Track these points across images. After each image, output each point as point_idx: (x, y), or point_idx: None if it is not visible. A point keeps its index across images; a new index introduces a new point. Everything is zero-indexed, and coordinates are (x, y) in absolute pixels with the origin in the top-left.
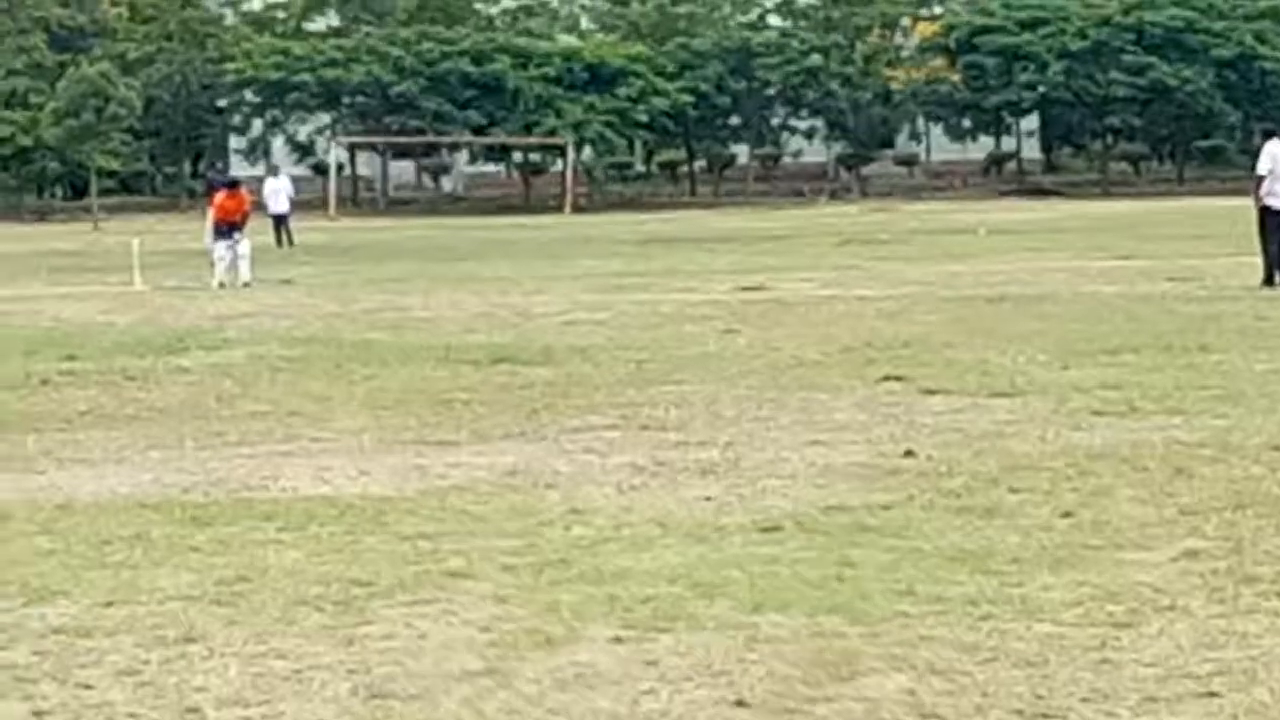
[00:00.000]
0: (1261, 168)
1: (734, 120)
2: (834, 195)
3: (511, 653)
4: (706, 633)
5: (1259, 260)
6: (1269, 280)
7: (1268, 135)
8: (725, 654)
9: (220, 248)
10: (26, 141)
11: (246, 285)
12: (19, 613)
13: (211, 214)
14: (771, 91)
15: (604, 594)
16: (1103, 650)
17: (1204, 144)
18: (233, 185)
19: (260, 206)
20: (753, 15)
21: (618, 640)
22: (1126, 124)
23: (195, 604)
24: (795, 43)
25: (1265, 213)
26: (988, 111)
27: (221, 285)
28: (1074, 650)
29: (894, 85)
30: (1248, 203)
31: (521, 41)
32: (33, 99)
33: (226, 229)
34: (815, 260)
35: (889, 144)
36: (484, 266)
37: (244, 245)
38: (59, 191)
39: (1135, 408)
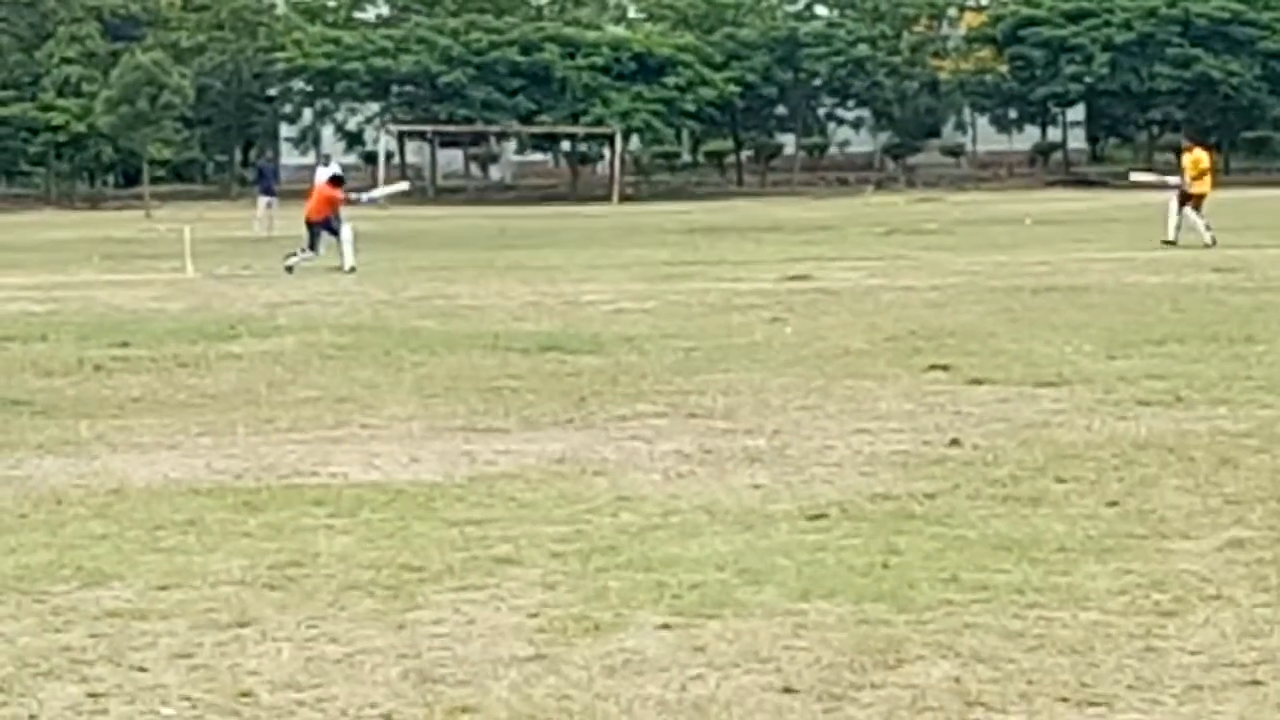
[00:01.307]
0: None
1: (780, 110)
2: (880, 185)
3: (560, 639)
4: (754, 619)
5: None
6: None
7: None
8: (772, 640)
9: (346, 230)
10: (80, 129)
11: (352, 270)
12: (75, 595)
13: (315, 204)
14: (818, 82)
15: (652, 581)
16: (1148, 638)
17: (1249, 135)
18: (338, 181)
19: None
20: (799, 5)
21: (666, 627)
22: (1171, 116)
23: (248, 588)
24: (842, 33)
25: None
26: (1034, 103)
27: (353, 269)
28: (1119, 638)
29: (941, 75)
30: None
31: (570, 31)
32: (86, 87)
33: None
34: (861, 250)
35: (935, 134)
36: (532, 255)
37: (346, 230)
38: (111, 179)
39: (1181, 398)
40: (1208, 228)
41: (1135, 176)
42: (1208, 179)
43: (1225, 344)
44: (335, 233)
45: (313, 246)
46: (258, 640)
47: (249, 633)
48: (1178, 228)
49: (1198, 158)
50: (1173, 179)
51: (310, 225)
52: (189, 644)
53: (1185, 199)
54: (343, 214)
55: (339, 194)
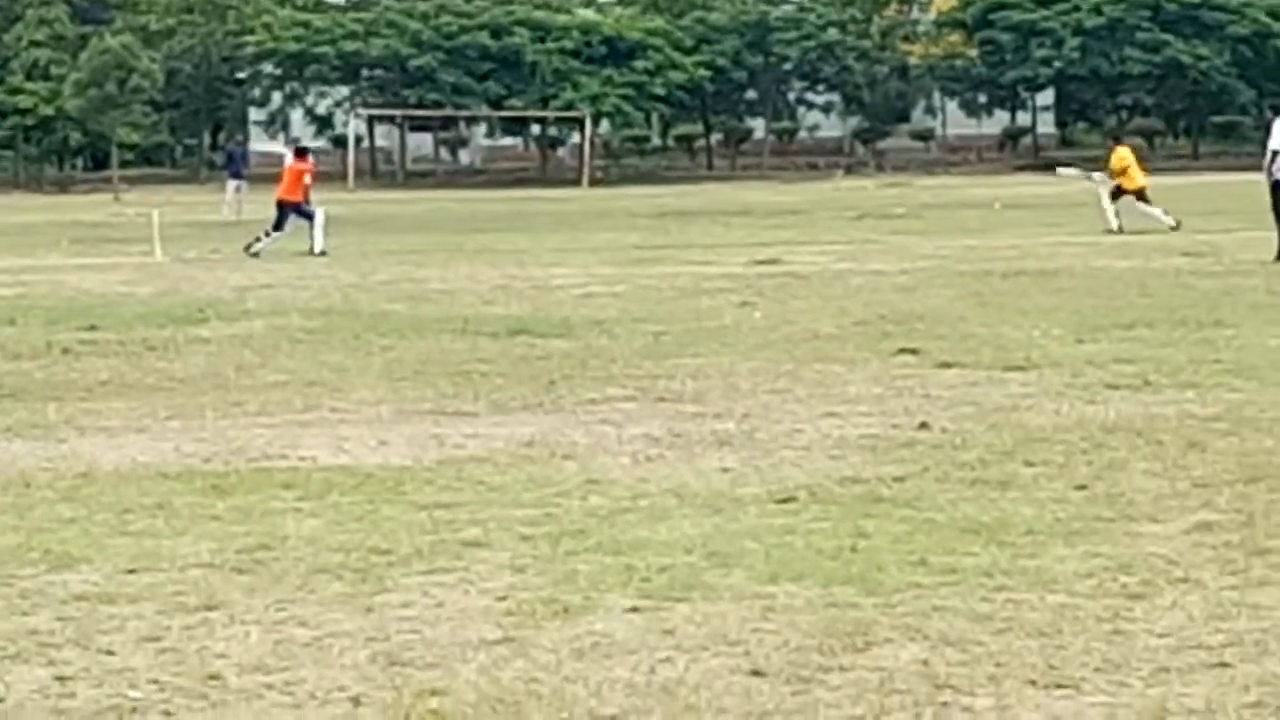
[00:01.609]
0: (1273, 143)
1: (750, 94)
2: (850, 169)
3: (528, 622)
4: (722, 602)
5: (1273, 235)
6: None
7: (1277, 112)
8: (741, 624)
9: (319, 214)
10: (48, 112)
11: (322, 254)
12: (42, 579)
13: (287, 184)
14: (788, 66)
15: (621, 564)
16: (1115, 621)
17: (1218, 120)
18: (302, 152)
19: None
20: None
21: (634, 610)
22: (1141, 101)
23: (216, 571)
24: (812, 17)
25: (1276, 188)
26: (1004, 87)
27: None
28: (1087, 621)
29: (910, 60)
30: (1261, 178)
31: (540, 15)
32: (54, 70)
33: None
34: (831, 234)
35: (905, 119)
36: (501, 239)
37: (319, 214)
38: (80, 162)
39: (1149, 382)
40: (1165, 213)
41: (1061, 172)
42: (1133, 172)
43: (1194, 328)
44: (307, 216)
45: (278, 227)
46: (226, 623)
47: (217, 616)
48: (1117, 214)
49: (1120, 155)
50: (1096, 174)
51: (281, 206)
52: (157, 627)
53: (1118, 194)
54: (313, 197)
55: (308, 164)
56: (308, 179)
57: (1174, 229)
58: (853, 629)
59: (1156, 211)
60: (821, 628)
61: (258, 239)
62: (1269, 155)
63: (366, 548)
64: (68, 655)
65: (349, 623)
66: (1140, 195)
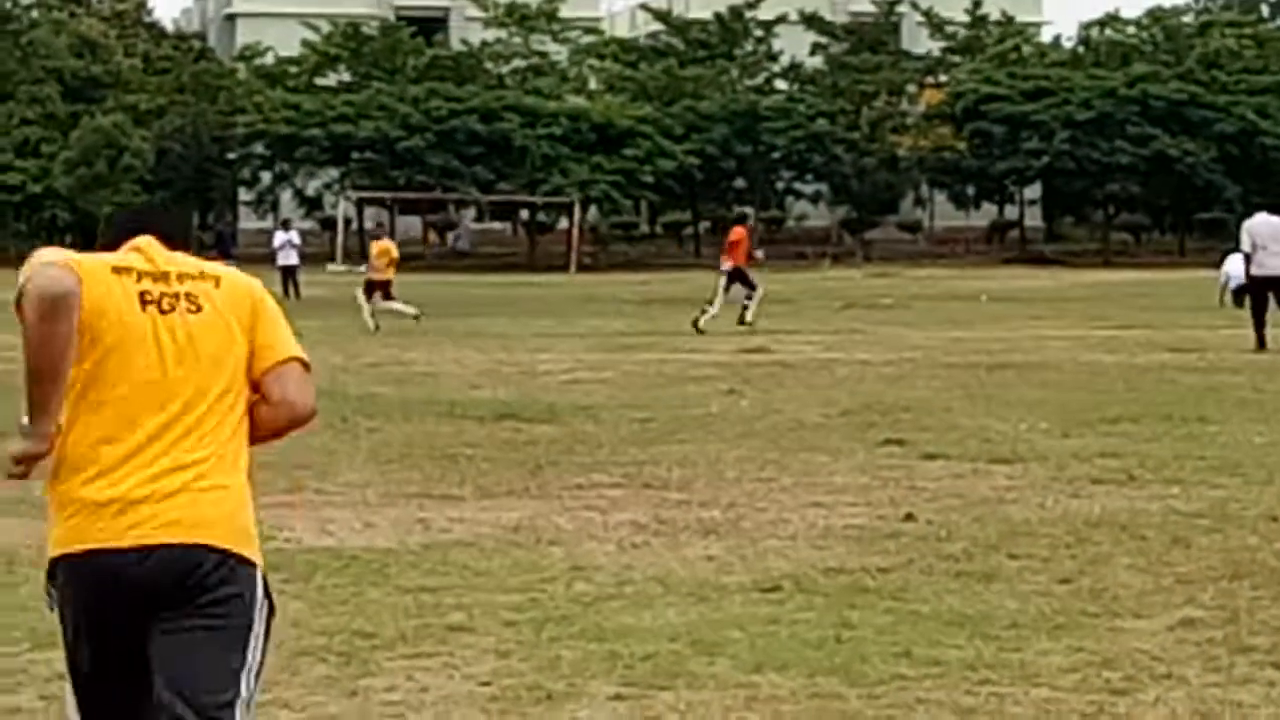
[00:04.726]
0: (1244, 246)
1: (739, 183)
2: (837, 259)
3: (513, 707)
4: (706, 691)
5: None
6: (1261, 346)
7: (1250, 212)
8: (724, 713)
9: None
10: (37, 190)
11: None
12: (24, 657)
13: None
14: (777, 155)
15: (605, 651)
16: (1099, 717)
17: (1204, 216)
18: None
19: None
20: (759, 80)
21: (618, 697)
22: (1128, 194)
23: None
24: (801, 107)
25: (1252, 283)
26: (992, 179)
27: None
28: (1070, 716)
29: (899, 151)
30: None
31: (530, 101)
32: (45, 148)
33: None
34: (818, 323)
35: (893, 209)
36: (488, 323)
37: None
38: (69, 239)
39: (1134, 477)
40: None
41: None
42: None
43: (1178, 424)
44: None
45: None
46: None
47: None
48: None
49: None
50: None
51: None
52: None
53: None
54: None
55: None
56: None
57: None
58: None
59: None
60: (806, 718)
61: None
62: (1244, 256)
63: (351, 631)
64: None
65: (333, 706)
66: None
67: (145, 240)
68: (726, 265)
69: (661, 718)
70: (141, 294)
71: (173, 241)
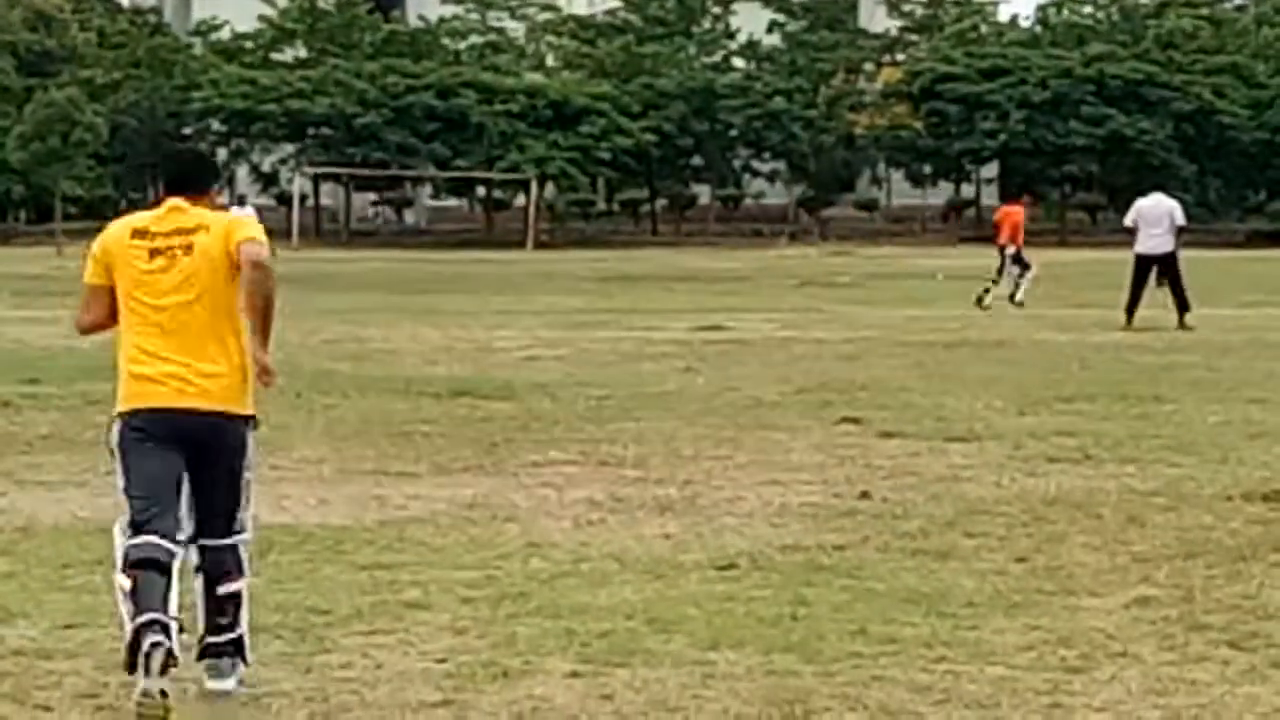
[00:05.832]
0: (1127, 220)
1: (696, 161)
2: (794, 237)
3: (468, 684)
4: (662, 669)
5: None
6: (1129, 322)
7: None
8: (680, 690)
9: None
10: None
11: None
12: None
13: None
14: (734, 133)
15: (561, 628)
16: (1054, 694)
17: None
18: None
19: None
20: (717, 57)
21: (574, 674)
22: (1084, 173)
23: None
24: (759, 85)
25: (1135, 260)
26: (949, 158)
27: None
28: (1026, 694)
29: (856, 130)
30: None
31: (487, 77)
32: None
33: None
34: (774, 302)
35: (850, 188)
36: (445, 300)
37: None
38: (23, 215)
39: (1090, 455)
40: None
41: None
42: None
43: (1133, 402)
44: None
45: None
46: None
47: None
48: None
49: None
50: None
51: None
52: (94, 684)
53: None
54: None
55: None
56: None
57: None
58: (792, 697)
59: None
60: (761, 696)
61: None
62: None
63: (306, 607)
64: (4, 711)
65: (288, 682)
66: None
67: (174, 202)
68: (1011, 248)
69: (617, 695)
70: (151, 251)
71: (198, 199)
